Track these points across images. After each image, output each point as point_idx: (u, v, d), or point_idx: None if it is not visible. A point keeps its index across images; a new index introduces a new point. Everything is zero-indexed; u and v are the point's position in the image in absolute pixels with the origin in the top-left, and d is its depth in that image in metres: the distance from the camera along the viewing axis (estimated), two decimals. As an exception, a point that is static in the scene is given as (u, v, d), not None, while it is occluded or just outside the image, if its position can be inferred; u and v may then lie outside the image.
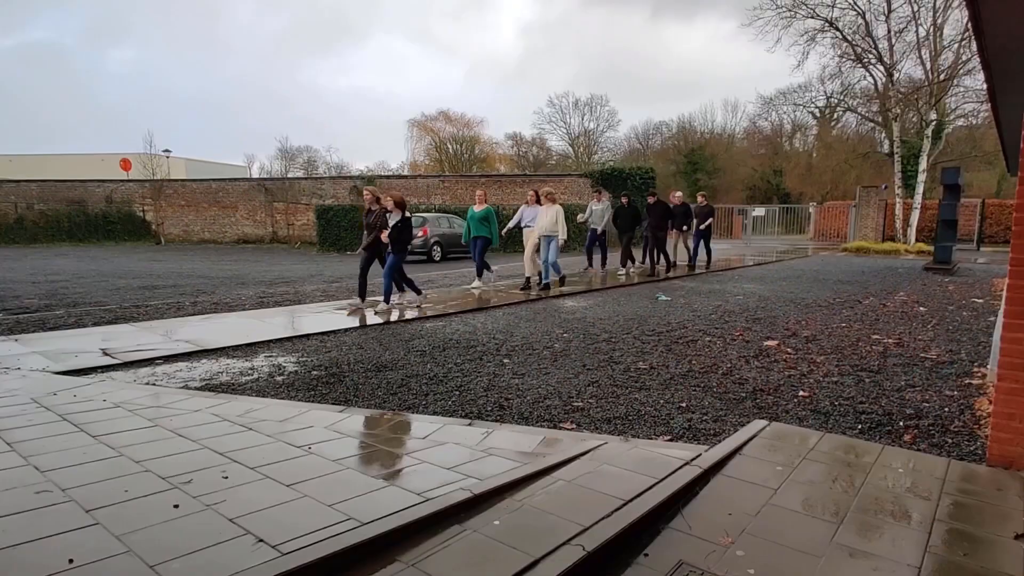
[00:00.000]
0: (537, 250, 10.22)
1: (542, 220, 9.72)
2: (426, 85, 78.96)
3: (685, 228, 13.39)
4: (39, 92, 77.61)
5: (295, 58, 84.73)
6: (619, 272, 12.13)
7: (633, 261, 13.23)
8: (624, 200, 12.73)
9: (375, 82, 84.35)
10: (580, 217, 12.55)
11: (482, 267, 10.42)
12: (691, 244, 13.68)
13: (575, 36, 74.51)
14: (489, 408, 4.00)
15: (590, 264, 12.77)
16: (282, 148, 51.73)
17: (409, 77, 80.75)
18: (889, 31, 21.71)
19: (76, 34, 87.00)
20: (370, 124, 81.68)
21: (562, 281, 10.61)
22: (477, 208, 10.26)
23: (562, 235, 9.65)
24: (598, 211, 12.03)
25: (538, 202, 10.27)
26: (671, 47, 71.07)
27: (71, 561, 2.05)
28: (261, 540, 2.21)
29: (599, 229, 11.95)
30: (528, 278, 10.20)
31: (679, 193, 13.74)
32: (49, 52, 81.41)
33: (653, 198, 12.27)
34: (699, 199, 13.90)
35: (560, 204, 10.17)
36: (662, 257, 12.79)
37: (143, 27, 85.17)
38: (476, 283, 10.34)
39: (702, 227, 13.41)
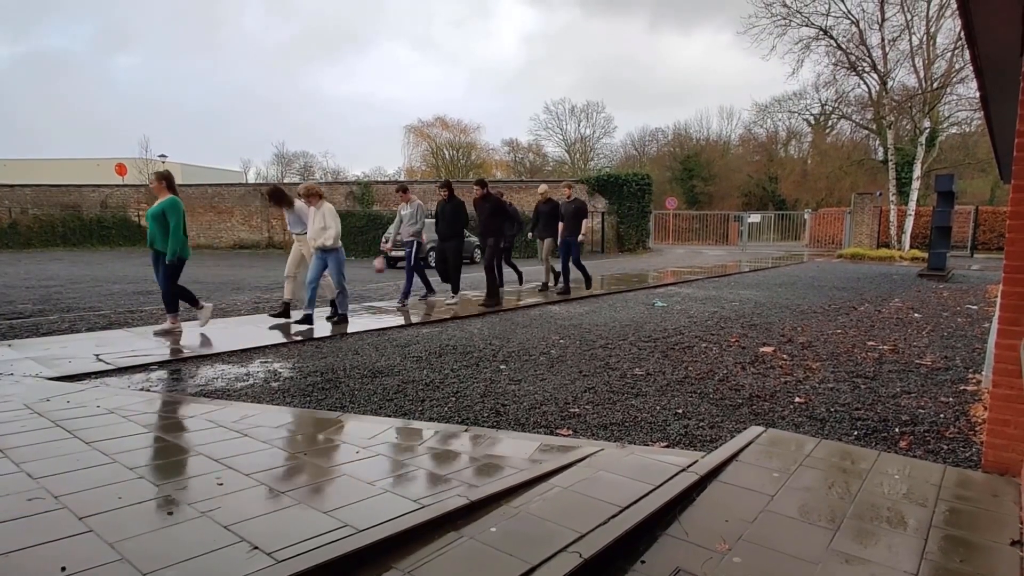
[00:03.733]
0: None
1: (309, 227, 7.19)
2: (427, 92, 79.40)
3: (531, 235, 10.87)
4: (40, 98, 77.64)
5: (297, 65, 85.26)
6: (449, 300, 9.02)
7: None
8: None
9: (376, 89, 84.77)
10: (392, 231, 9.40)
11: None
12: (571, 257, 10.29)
13: (576, 45, 75.27)
14: (485, 414, 3.99)
15: (428, 290, 9.59)
16: (278, 153, 51.76)
17: (410, 84, 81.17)
18: (883, 40, 21.93)
19: (83, 41, 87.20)
20: (368, 130, 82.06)
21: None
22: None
23: (328, 241, 7.01)
24: (406, 216, 8.89)
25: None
26: (668, 56, 71.88)
27: (63, 569, 2.03)
28: (256, 547, 2.19)
29: (421, 240, 8.87)
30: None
31: (543, 187, 10.53)
32: (53, 59, 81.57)
33: (482, 189, 8.81)
34: (566, 192, 10.31)
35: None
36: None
37: (146, 36, 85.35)
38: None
39: (569, 235, 9.94)
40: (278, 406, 4.15)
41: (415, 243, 8.82)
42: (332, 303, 7.63)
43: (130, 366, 5.19)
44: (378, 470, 3.00)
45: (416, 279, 9.09)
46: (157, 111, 77.28)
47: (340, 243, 7.15)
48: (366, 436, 3.51)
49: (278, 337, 6.49)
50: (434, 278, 10.39)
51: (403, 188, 9.11)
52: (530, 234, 11.30)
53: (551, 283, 10.78)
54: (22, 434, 3.42)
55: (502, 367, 5.25)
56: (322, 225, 7.07)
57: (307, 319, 7.11)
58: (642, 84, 72.12)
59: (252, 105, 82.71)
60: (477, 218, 9.23)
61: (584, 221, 9.99)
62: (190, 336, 6.51)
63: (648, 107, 75.64)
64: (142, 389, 4.56)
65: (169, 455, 3.14)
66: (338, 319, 7.45)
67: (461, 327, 7.23)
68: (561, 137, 50.49)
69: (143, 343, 6.10)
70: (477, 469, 2.99)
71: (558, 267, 10.57)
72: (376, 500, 2.63)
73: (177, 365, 5.33)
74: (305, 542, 2.22)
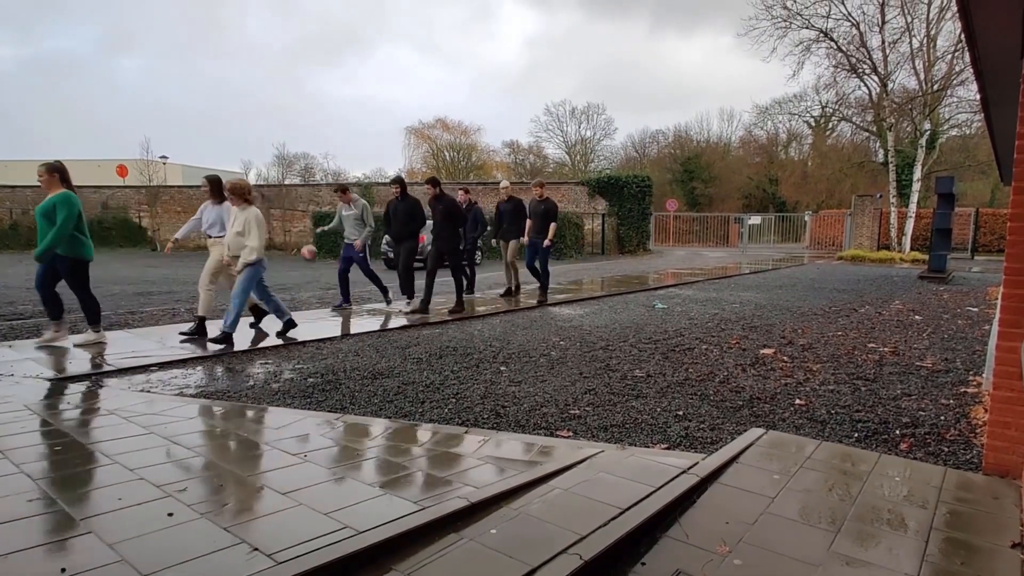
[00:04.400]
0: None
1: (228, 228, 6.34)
2: (429, 95, 79.47)
3: (494, 242, 10.07)
4: (42, 100, 77.83)
5: (300, 68, 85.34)
6: (404, 308, 8.38)
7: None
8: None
9: (378, 91, 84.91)
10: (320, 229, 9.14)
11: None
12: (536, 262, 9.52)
13: (578, 48, 75.46)
14: (485, 416, 3.99)
15: (345, 299, 8.64)
16: (279, 155, 51.79)
17: (412, 87, 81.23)
18: (883, 42, 21.93)
19: (87, 43, 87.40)
20: (369, 132, 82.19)
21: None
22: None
23: (249, 255, 6.01)
24: (349, 218, 8.37)
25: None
26: (669, 59, 71.96)
27: (63, 570, 2.03)
28: (256, 549, 2.19)
29: (357, 243, 8.27)
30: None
31: (504, 183, 9.99)
32: (58, 61, 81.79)
33: (433, 188, 8.10)
34: (535, 191, 9.45)
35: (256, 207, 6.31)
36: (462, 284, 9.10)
37: (149, 38, 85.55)
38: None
39: (536, 235, 9.20)
40: (278, 407, 4.15)
41: (367, 248, 8.34)
42: (269, 313, 6.81)
43: (130, 367, 5.19)
44: (378, 471, 3.00)
45: (381, 284, 8.65)
46: (159, 113, 77.48)
47: (263, 256, 6.17)
48: (367, 437, 3.51)
49: (272, 340, 6.48)
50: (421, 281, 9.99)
51: (342, 188, 8.52)
52: (492, 241, 10.54)
53: (514, 288, 10.03)
54: (23, 435, 3.42)
55: (502, 369, 5.25)
56: (240, 230, 6.01)
57: (225, 338, 5.99)
58: (643, 87, 72.36)
59: (254, 107, 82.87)
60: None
61: (552, 225, 9.10)
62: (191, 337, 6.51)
63: (649, 110, 75.88)
64: (142, 390, 4.56)
65: (169, 456, 3.14)
66: (284, 328, 6.65)
67: (461, 328, 7.23)
68: (562, 139, 50.57)
69: (143, 344, 6.10)
70: (477, 470, 2.99)
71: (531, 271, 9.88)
72: (376, 501, 2.63)
73: (178, 366, 5.33)
74: (305, 543, 2.22)
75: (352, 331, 6.99)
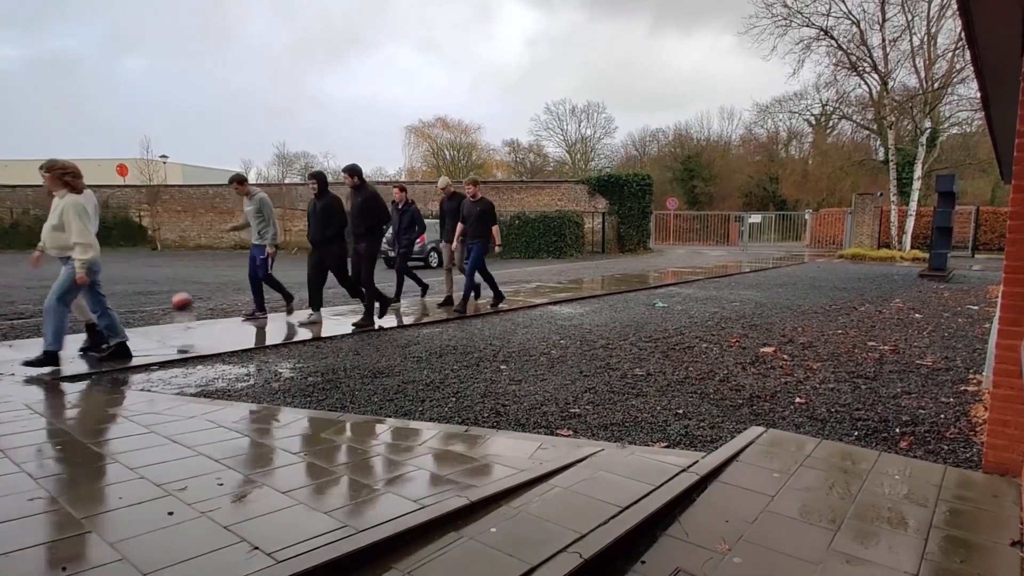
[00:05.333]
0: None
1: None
2: (430, 94, 79.51)
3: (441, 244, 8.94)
4: (44, 100, 77.86)
5: (302, 68, 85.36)
6: (306, 318, 7.43)
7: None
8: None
9: (379, 91, 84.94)
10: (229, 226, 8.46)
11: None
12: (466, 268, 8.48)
13: (579, 48, 75.43)
14: (486, 414, 3.99)
15: (258, 307, 7.78)
16: (279, 154, 51.83)
17: (414, 86, 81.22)
18: (883, 40, 21.91)
19: (89, 44, 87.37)
20: (370, 132, 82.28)
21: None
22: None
23: (83, 253, 4.81)
24: (249, 214, 7.51)
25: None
26: (670, 59, 71.95)
27: (64, 569, 2.03)
28: (256, 548, 2.19)
29: (267, 245, 7.45)
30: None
31: (443, 179, 9.04)
32: (60, 61, 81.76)
33: (351, 178, 7.30)
34: (468, 189, 8.34)
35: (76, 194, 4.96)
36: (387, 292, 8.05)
37: (151, 38, 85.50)
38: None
39: (472, 239, 8.22)
40: (279, 406, 4.16)
41: (265, 248, 7.46)
42: (90, 327, 5.56)
43: (131, 366, 5.19)
44: (378, 470, 3.00)
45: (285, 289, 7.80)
46: (160, 112, 77.56)
47: (97, 255, 4.91)
48: (367, 436, 3.51)
49: (278, 337, 6.49)
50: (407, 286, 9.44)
51: (239, 180, 7.55)
52: (385, 243, 9.75)
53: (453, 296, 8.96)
54: (23, 434, 3.42)
55: (502, 367, 5.25)
56: (56, 223, 4.78)
57: (49, 358, 4.87)
58: (643, 86, 72.31)
59: (256, 107, 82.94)
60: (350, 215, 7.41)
61: (494, 228, 8.22)
62: (191, 337, 6.52)
63: (649, 109, 75.92)
64: (142, 389, 4.57)
65: (169, 455, 3.14)
66: (108, 350, 5.30)
67: (461, 327, 7.23)
68: (562, 137, 50.55)
69: (143, 343, 6.10)
70: (477, 469, 2.99)
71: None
72: (376, 500, 2.63)
73: (178, 365, 5.33)
74: (305, 542, 2.22)
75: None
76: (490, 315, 8.19)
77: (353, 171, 7.31)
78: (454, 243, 8.61)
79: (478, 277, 8.62)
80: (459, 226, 8.38)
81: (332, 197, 7.27)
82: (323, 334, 6.72)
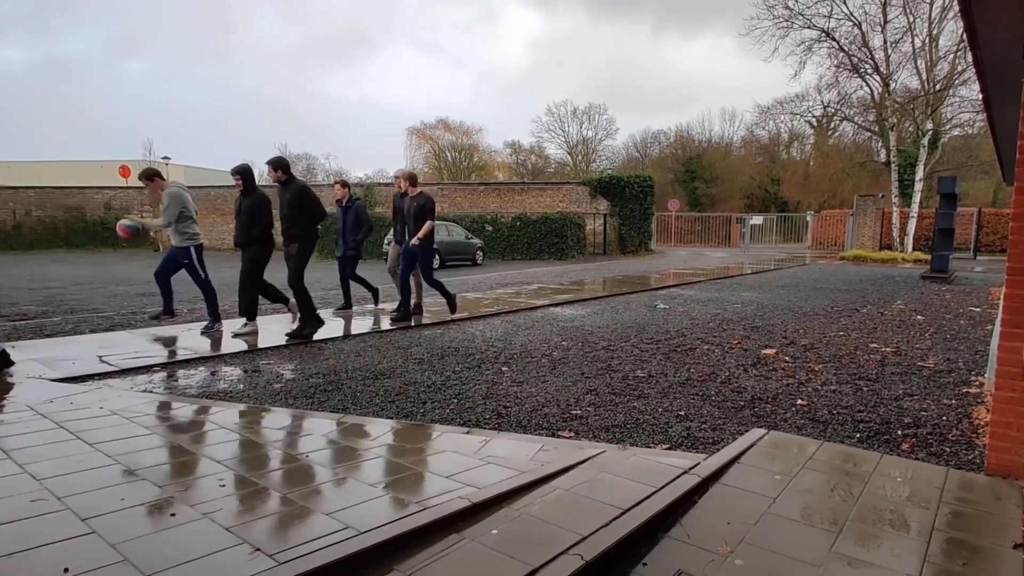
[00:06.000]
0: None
1: None
2: (433, 96, 79.75)
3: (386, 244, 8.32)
4: (47, 101, 77.99)
5: (306, 69, 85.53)
6: (239, 329, 6.75)
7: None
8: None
9: (383, 92, 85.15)
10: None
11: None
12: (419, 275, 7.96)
13: (581, 50, 75.57)
14: (487, 416, 3.99)
15: (166, 309, 7.00)
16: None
17: (417, 88, 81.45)
18: (885, 42, 21.92)
19: (95, 46, 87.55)
20: (374, 133, 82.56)
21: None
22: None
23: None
24: (164, 210, 6.71)
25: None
26: (671, 61, 72.08)
27: (66, 571, 2.04)
28: (258, 549, 2.20)
29: (178, 242, 6.74)
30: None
31: (399, 171, 8.18)
32: (65, 64, 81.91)
33: (276, 172, 6.63)
34: (401, 186, 7.80)
35: None
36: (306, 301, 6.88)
37: (156, 40, 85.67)
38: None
39: (414, 241, 7.43)
40: (280, 407, 4.16)
41: (190, 249, 6.75)
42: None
43: (133, 367, 5.20)
44: (379, 472, 3.00)
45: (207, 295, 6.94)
46: (163, 114, 77.63)
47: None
48: (368, 438, 3.51)
49: (281, 339, 6.50)
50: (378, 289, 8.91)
51: (149, 175, 6.79)
52: (386, 243, 8.93)
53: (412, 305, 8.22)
54: (26, 435, 3.43)
55: (504, 369, 5.25)
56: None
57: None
58: (645, 88, 72.43)
59: (260, 108, 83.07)
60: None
61: (427, 223, 7.46)
62: (192, 337, 6.53)
63: (651, 110, 76.04)
64: (145, 391, 4.57)
65: (172, 457, 3.15)
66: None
67: (462, 329, 7.24)
68: (563, 139, 50.61)
69: (146, 345, 6.11)
70: (478, 471, 2.99)
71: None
72: (378, 502, 2.63)
73: (180, 367, 5.34)
74: (307, 544, 2.22)
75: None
76: (491, 317, 8.18)
77: (277, 164, 6.55)
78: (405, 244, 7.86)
79: (424, 285, 8.04)
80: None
81: (259, 195, 6.68)
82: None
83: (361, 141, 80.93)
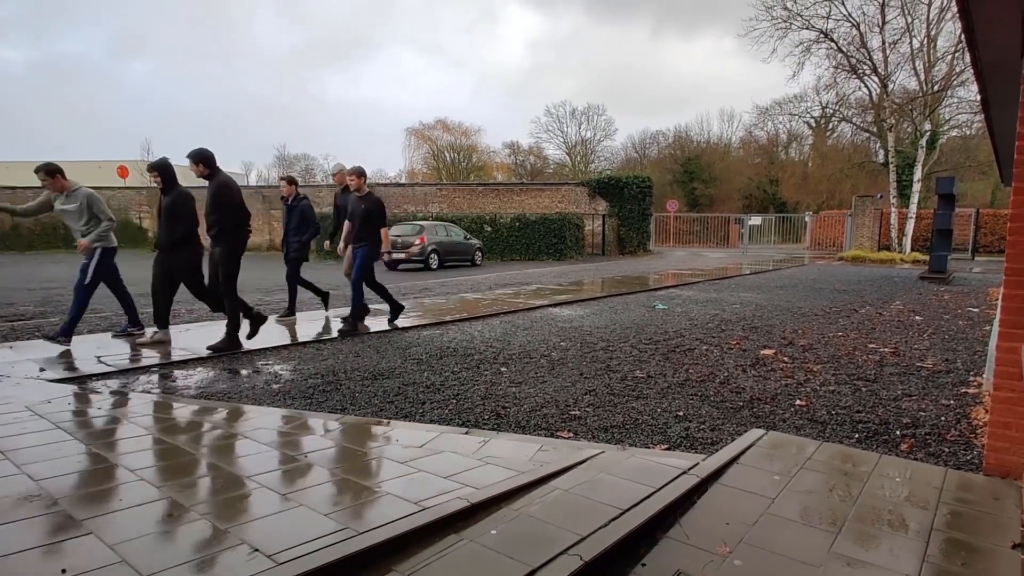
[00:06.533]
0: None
1: None
2: (433, 97, 79.85)
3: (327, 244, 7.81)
4: (48, 102, 78.00)
5: (306, 71, 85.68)
6: (143, 338, 6.36)
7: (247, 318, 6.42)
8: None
9: (383, 93, 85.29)
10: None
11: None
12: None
13: (581, 51, 75.72)
14: (486, 417, 3.99)
15: (66, 334, 5.91)
16: (280, 156, 51.97)
17: (417, 89, 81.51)
18: (883, 42, 21.97)
19: (95, 47, 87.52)
20: (373, 134, 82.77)
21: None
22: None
23: None
24: (69, 214, 6.18)
25: None
26: (671, 62, 72.23)
27: (64, 571, 2.03)
28: (256, 550, 2.19)
29: (82, 243, 6.27)
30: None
31: (337, 165, 7.69)
32: (65, 64, 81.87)
33: (199, 167, 5.89)
34: (351, 181, 7.12)
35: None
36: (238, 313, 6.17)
37: (156, 41, 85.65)
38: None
39: (358, 243, 7.00)
40: (279, 408, 4.16)
41: (98, 252, 6.29)
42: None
43: (131, 368, 5.19)
44: (378, 472, 3.00)
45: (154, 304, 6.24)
46: (163, 114, 77.66)
47: None
48: (367, 438, 3.51)
49: (282, 339, 6.49)
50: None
51: (49, 171, 5.96)
52: (327, 242, 8.49)
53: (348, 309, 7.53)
54: (24, 436, 3.42)
55: (503, 369, 5.25)
56: None
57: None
58: (644, 89, 72.63)
59: (259, 109, 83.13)
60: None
61: (383, 230, 7.01)
62: (190, 338, 6.52)
63: (649, 111, 76.20)
64: (143, 391, 4.57)
65: (170, 457, 3.14)
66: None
67: (462, 329, 7.23)
68: (562, 139, 50.64)
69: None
70: (477, 471, 2.99)
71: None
72: (377, 502, 2.63)
73: (179, 367, 5.33)
74: (306, 544, 2.22)
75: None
76: (490, 318, 8.18)
77: (198, 157, 5.83)
78: (340, 246, 7.47)
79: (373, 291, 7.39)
80: (346, 225, 7.25)
81: (180, 192, 6.00)
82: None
83: (360, 141, 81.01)
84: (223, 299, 6.09)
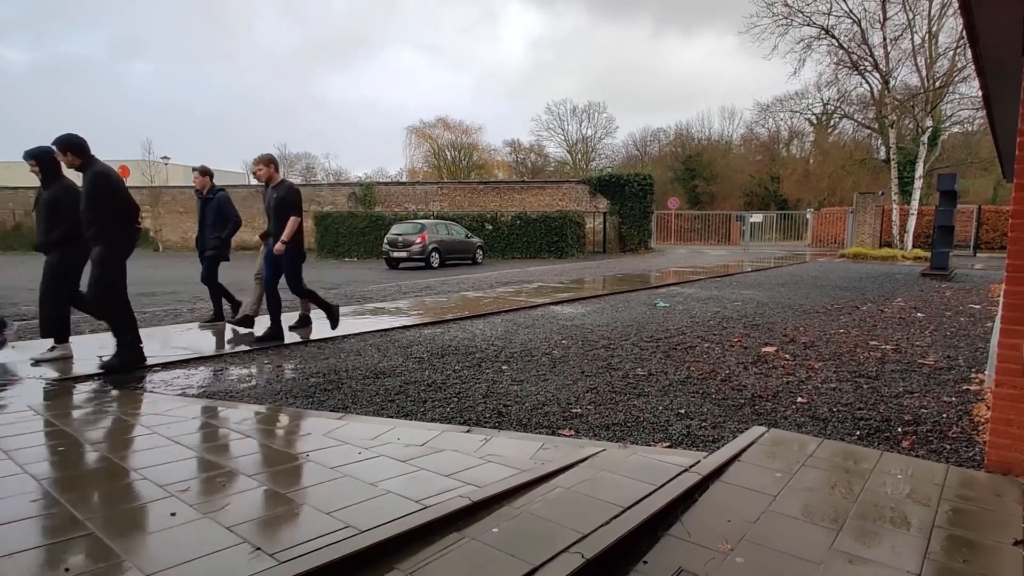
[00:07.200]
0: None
1: None
2: (434, 97, 79.90)
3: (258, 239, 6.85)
4: (49, 103, 78.05)
5: (307, 71, 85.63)
6: (44, 354, 5.36)
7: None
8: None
9: (383, 93, 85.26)
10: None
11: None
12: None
13: (581, 50, 75.68)
14: (487, 415, 3.99)
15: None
16: (280, 155, 51.98)
17: (417, 89, 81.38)
18: (885, 39, 21.92)
19: (97, 48, 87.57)
20: (374, 134, 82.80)
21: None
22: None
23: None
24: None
25: None
26: (672, 60, 72.15)
27: (66, 571, 2.04)
28: (258, 548, 2.19)
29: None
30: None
31: (260, 156, 6.43)
32: (65, 66, 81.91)
33: (67, 156, 5.04)
34: (259, 171, 6.36)
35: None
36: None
37: (158, 42, 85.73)
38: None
39: (278, 246, 6.17)
40: (280, 407, 4.16)
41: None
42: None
43: (150, 365, 5.19)
44: (380, 471, 3.00)
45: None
46: (163, 115, 77.72)
47: None
48: (368, 437, 3.51)
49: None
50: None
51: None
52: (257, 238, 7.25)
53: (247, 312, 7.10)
54: (26, 435, 3.43)
55: (504, 368, 5.25)
56: None
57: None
58: (645, 87, 72.51)
59: (260, 109, 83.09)
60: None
61: (291, 219, 6.16)
62: (190, 337, 6.53)
63: (650, 109, 76.19)
64: (145, 391, 4.57)
65: (172, 456, 3.14)
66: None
67: (463, 328, 7.23)
68: (563, 137, 50.57)
69: (146, 344, 6.10)
70: (479, 469, 2.99)
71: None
72: (378, 500, 2.63)
73: (180, 366, 5.34)
74: (307, 543, 2.22)
75: None
76: (491, 316, 8.18)
77: (65, 145, 4.97)
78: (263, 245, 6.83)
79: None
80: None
81: (62, 185, 5.29)
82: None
83: (361, 141, 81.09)
84: (94, 310, 5.27)
